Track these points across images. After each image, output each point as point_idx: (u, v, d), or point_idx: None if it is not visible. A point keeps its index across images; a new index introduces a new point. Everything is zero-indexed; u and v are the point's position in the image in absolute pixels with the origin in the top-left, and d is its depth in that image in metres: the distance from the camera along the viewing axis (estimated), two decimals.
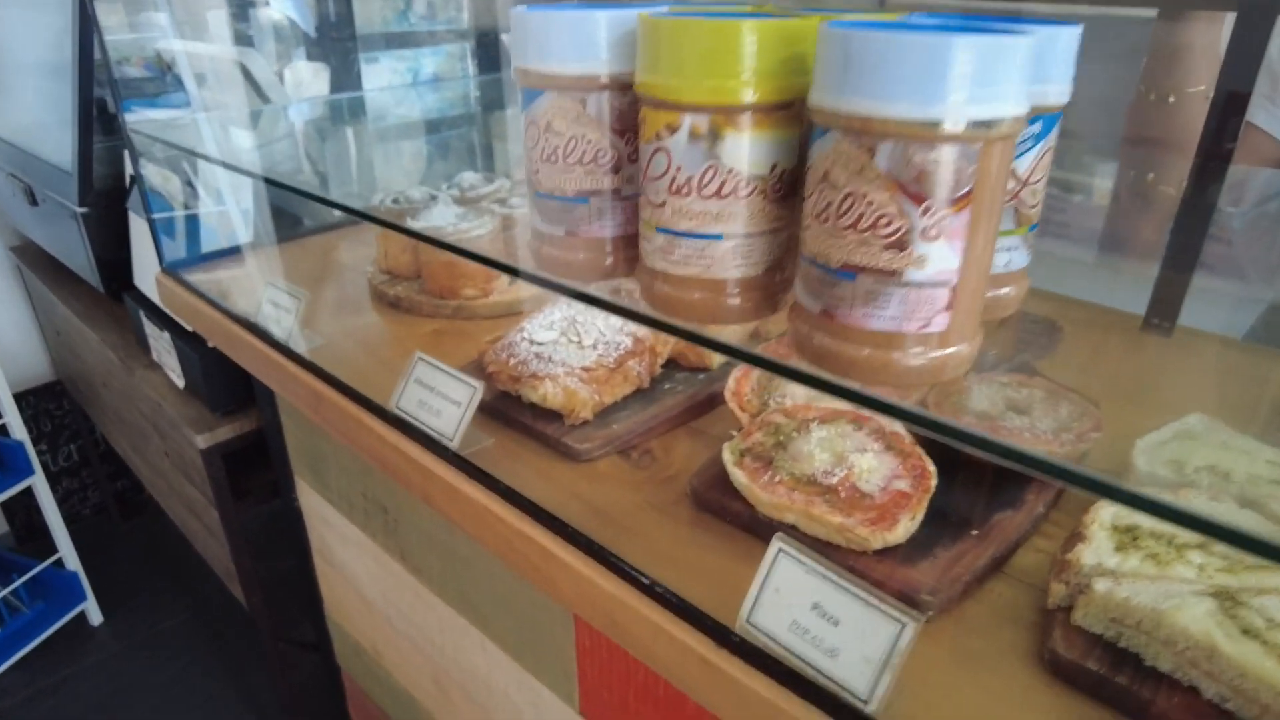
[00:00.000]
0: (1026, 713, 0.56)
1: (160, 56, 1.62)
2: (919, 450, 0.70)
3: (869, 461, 0.68)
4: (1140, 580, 0.57)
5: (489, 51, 1.62)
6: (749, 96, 0.46)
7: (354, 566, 1.34)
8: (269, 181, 1.08)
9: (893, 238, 0.41)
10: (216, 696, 2.03)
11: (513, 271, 0.73)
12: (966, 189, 0.40)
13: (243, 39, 1.73)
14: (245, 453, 1.57)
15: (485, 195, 1.15)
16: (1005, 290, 0.54)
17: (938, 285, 0.42)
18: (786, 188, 0.49)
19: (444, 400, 0.82)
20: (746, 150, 0.47)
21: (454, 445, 0.80)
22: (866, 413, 0.75)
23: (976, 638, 0.62)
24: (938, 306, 0.42)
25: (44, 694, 2.04)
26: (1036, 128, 0.48)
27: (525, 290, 1.13)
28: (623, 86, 0.54)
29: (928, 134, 0.39)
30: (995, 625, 0.63)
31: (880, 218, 0.41)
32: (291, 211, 1.63)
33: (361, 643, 1.45)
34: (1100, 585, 0.57)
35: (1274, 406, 0.85)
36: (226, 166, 1.16)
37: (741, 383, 0.82)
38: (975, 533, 0.67)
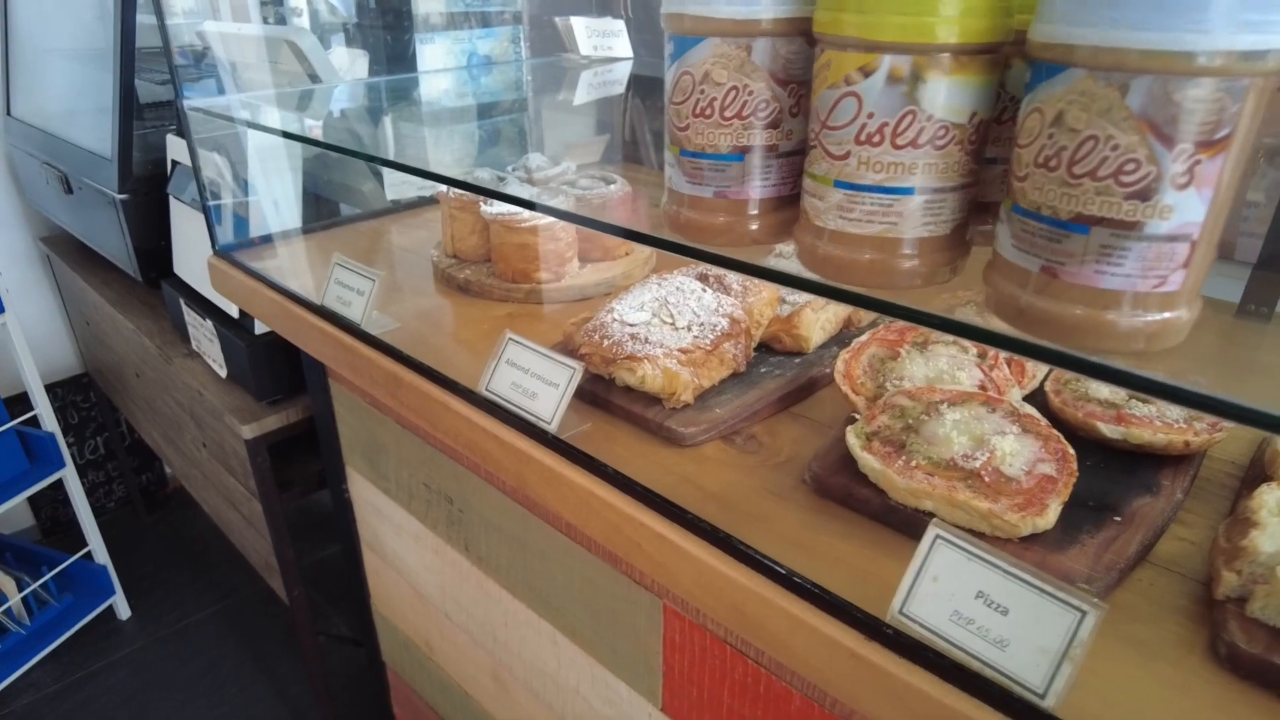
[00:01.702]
0: (1210, 708, 0.52)
1: (202, 41, 1.59)
2: (1057, 433, 0.66)
3: (1011, 444, 0.64)
4: None
5: (542, 33, 1.59)
6: (956, 35, 0.42)
7: (409, 559, 1.31)
8: (346, 152, 1.05)
9: (1138, 185, 0.37)
10: (247, 690, 1.99)
11: (656, 242, 0.67)
12: (1226, 131, 0.36)
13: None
14: (287, 444, 1.54)
15: (553, 177, 1.12)
16: None
17: (1179, 239, 0.38)
18: (982, 139, 0.46)
19: (539, 382, 0.78)
20: (948, 96, 0.44)
21: (553, 429, 0.76)
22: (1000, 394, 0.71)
23: (1141, 628, 0.58)
24: (1176, 263, 0.39)
25: (73, 687, 2.01)
26: None
27: (599, 275, 1.09)
28: (790, 32, 0.50)
29: (1190, 67, 0.35)
30: (1156, 615, 0.59)
31: (1126, 163, 0.37)
32: (332, 199, 1.60)
33: (412, 637, 1.42)
34: None
35: None
36: (293, 138, 1.13)
37: (851, 364, 0.78)
38: (1118, 519, 0.64)
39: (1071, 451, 0.65)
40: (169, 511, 2.65)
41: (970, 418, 0.67)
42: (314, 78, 1.45)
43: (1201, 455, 0.73)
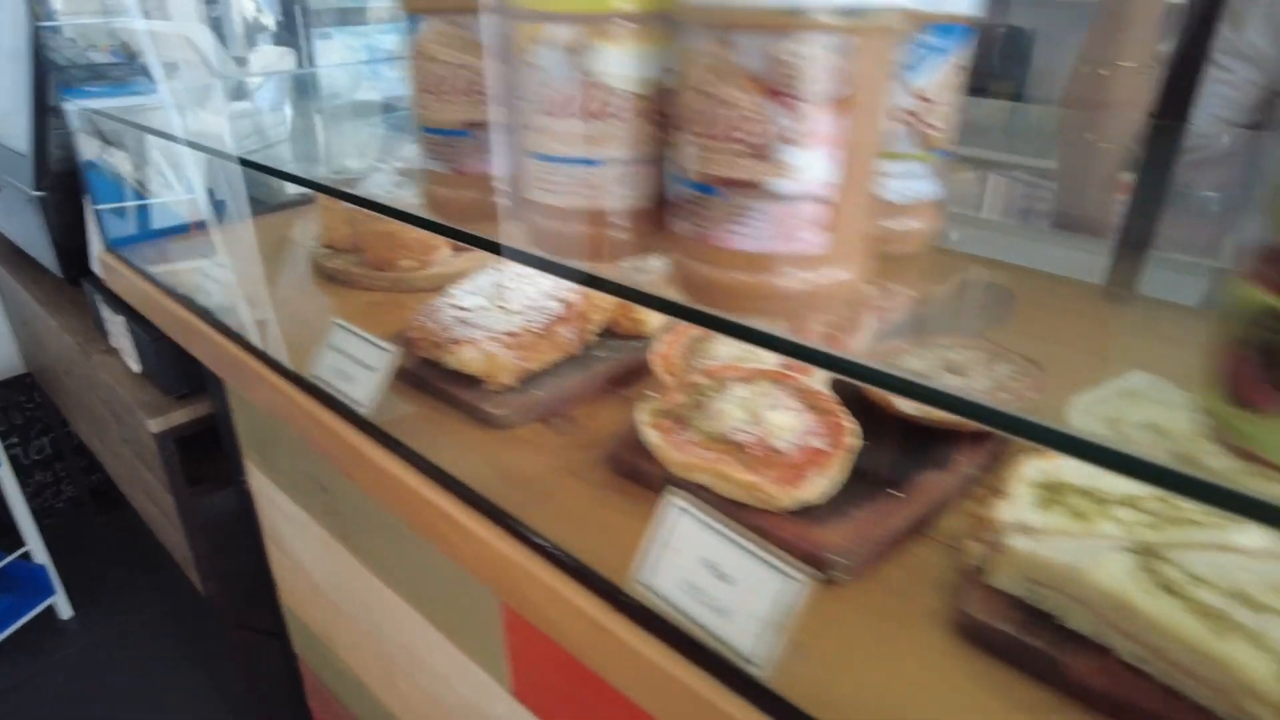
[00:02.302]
0: (933, 677, 0.53)
1: (126, 43, 1.59)
2: (840, 409, 0.66)
3: (785, 419, 0.64)
4: (1060, 538, 0.54)
5: None
6: (620, 2, 0.42)
7: (301, 550, 1.31)
8: (216, 154, 1.05)
9: (754, 144, 0.38)
10: (185, 689, 2.00)
11: (428, 226, 0.69)
12: (844, 90, 0.37)
13: (211, 23, 1.70)
14: (203, 438, 1.54)
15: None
16: (911, 223, 0.50)
17: (812, 199, 0.39)
18: (668, 109, 0.46)
19: (359, 367, 0.79)
20: (622, 65, 0.44)
21: (366, 411, 0.77)
22: (793, 370, 0.71)
23: (893, 600, 0.58)
24: (815, 224, 0.39)
25: (12, 689, 2.01)
26: (936, 38, 0.45)
27: (468, 262, 1.10)
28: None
29: (790, 21, 0.35)
30: (914, 588, 0.59)
31: (744, 122, 0.37)
32: (244, 191, 1.60)
33: (313, 628, 1.42)
34: (1018, 543, 0.54)
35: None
36: (165, 137, 1.13)
37: (670, 346, 0.79)
38: (898, 494, 0.64)
39: (849, 425, 0.65)
40: (123, 512, 2.65)
41: (755, 394, 0.67)
42: (215, 74, 1.46)
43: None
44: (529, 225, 0.51)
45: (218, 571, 1.65)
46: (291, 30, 1.92)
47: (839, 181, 0.39)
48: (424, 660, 1.08)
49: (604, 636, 0.56)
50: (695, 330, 0.80)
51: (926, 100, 0.46)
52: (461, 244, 0.58)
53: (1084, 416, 0.64)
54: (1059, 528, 0.55)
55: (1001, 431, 0.42)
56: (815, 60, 0.36)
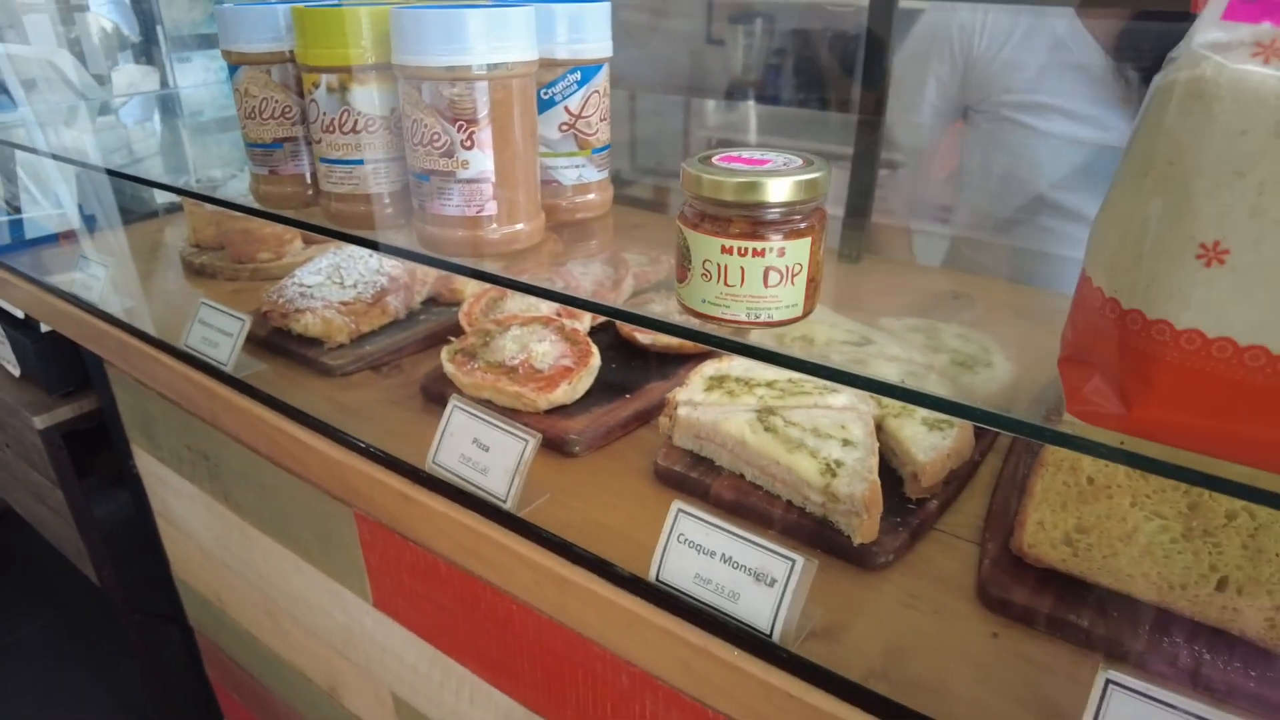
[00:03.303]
0: (636, 507, 0.77)
1: None
2: (588, 340, 0.91)
3: (545, 348, 0.88)
4: (714, 408, 0.79)
5: None
6: (362, 59, 0.65)
7: (190, 520, 1.47)
8: (86, 166, 1.21)
9: (442, 149, 0.61)
10: (83, 694, 2.06)
11: (269, 217, 0.89)
12: (485, 112, 0.60)
13: (70, 44, 1.83)
14: (86, 435, 1.67)
15: None
16: (590, 196, 0.75)
17: (481, 181, 0.62)
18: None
19: (220, 334, 0.98)
20: (367, 98, 0.66)
21: (229, 368, 0.96)
22: (555, 316, 0.95)
23: (615, 463, 0.83)
24: (485, 196, 0.63)
25: None
26: (577, 76, 0.69)
27: (316, 252, 1.29)
28: (289, 60, 0.72)
29: (448, 75, 0.59)
30: (629, 455, 0.84)
31: (433, 135, 0.60)
32: (112, 202, 1.74)
33: (206, 594, 1.58)
34: (683, 411, 0.79)
35: (904, 307, 1.10)
36: (34, 153, 1.28)
37: (473, 305, 1.01)
38: (628, 396, 0.89)
39: (593, 350, 0.89)
40: (5, 529, 2.69)
41: (526, 333, 0.91)
42: (81, 96, 1.60)
43: None
44: (325, 209, 0.73)
45: (113, 559, 1.78)
46: (152, 50, 2.06)
47: (495, 167, 0.62)
48: (301, 595, 1.27)
49: (412, 506, 0.78)
50: (494, 291, 1.03)
51: (579, 115, 0.70)
52: (312, 236, 0.79)
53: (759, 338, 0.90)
54: (715, 402, 0.81)
55: (697, 343, 0.66)
56: (468, 97, 0.59)
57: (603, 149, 0.73)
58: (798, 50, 2.96)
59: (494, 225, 0.64)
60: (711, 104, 2.54)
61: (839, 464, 0.72)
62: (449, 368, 0.88)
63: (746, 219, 0.49)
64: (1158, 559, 0.63)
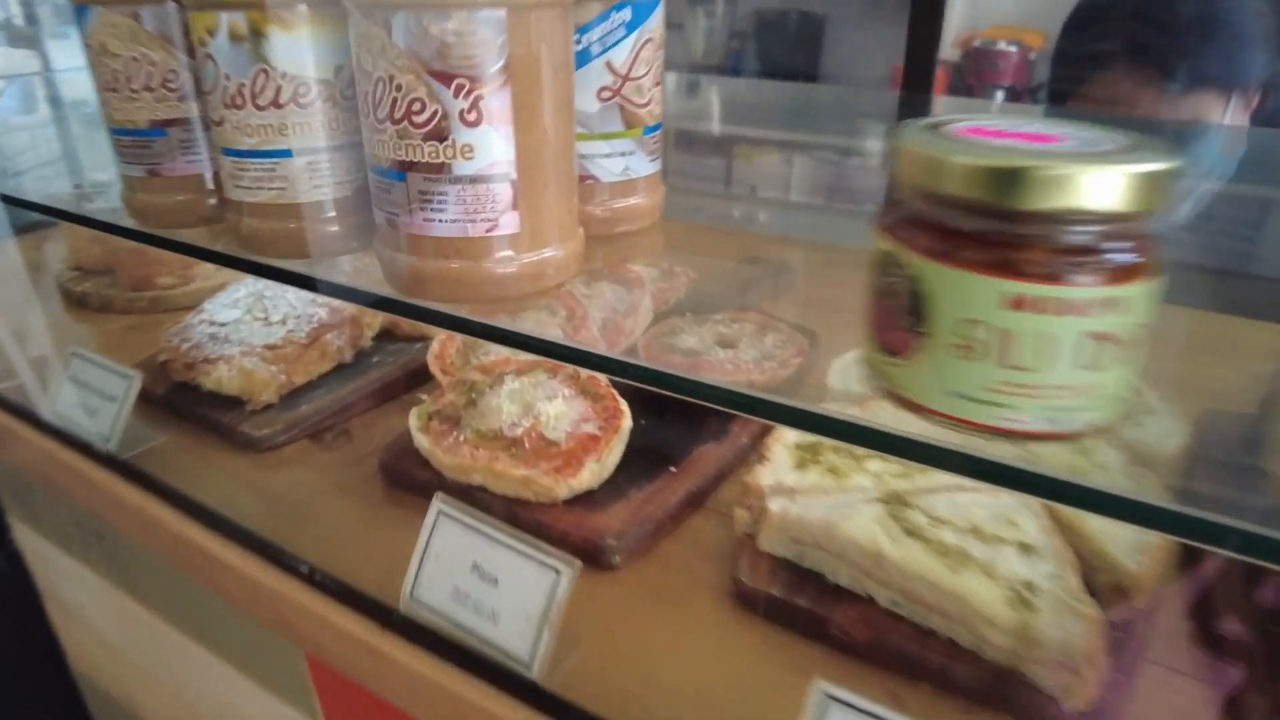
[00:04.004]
0: (710, 649, 0.53)
1: None
2: (613, 393, 0.66)
3: (557, 408, 0.63)
4: (817, 495, 0.56)
5: None
6: None
7: (86, 607, 1.18)
8: None
9: (429, 125, 0.36)
10: None
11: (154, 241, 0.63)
12: (499, 64, 0.35)
13: None
14: None
15: None
16: (634, 200, 0.50)
17: (494, 179, 0.37)
18: None
19: (101, 398, 0.71)
20: (299, 50, 0.41)
21: (111, 446, 0.69)
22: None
23: (673, 576, 0.58)
24: (502, 204, 0.38)
25: None
26: (626, 14, 0.44)
27: (235, 275, 1.02)
28: None
29: (439, 0, 0.34)
30: (693, 562, 0.60)
31: (413, 103, 0.35)
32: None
33: (112, 691, 1.29)
34: (775, 505, 0.55)
35: None
36: None
37: (446, 345, 0.76)
38: (673, 470, 0.64)
39: (623, 408, 0.65)
40: None
41: (528, 385, 0.66)
42: None
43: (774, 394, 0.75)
44: (236, 227, 0.47)
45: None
46: (34, 32, 1.74)
47: (516, 158, 0.37)
48: (231, 705, 1.00)
49: (383, 663, 0.53)
50: None
51: (624, 77, 0.45)
52: None
53: (843, 379, 0.66)
54: (816, 486, 0.57)
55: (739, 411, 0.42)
56: (472, 36, 0.34)
57: (655, 128, 0.49)
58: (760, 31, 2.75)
59: (510, 251, 0.39)
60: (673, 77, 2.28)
61: (1030, 587, 0.49)
62: (422, 441, 0.63)
63: (1052, 246, 0.26)
64: None
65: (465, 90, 0.35)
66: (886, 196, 0.30)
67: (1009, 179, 0.25)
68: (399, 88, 0.35)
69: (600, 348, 0.75)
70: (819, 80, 2.68)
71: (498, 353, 0.73)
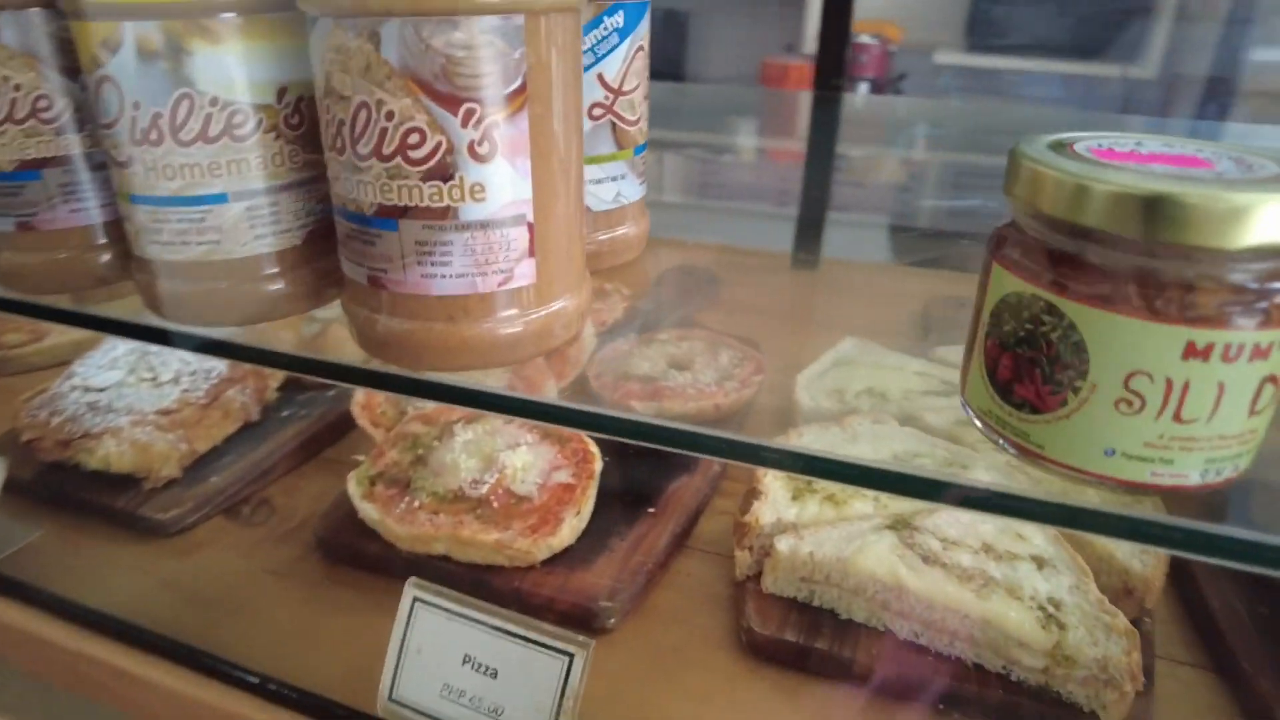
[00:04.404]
0: (728, 704, 0.49)
1: None
2: (579, 433, 0.60)
3: (523, 458, 0.57)
4: (821, 528, 0.52)
5: None
6: None
7: None
8: None
9: (433, 161, 0.29)
10: None
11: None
12: (516, 83, 0.29)
13: None
14: None
15: None
16: (623, 230, 0.45)
17: (508, 223, 0.31)
18: (311, 120, 0.36)
19: None
20: (232, 70, 0.33)
21: None
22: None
23: (673, 631, 0.54)
24: (517, 251, 0.32)
25: None
26: (618, 19, 0.39)
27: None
28: (25, 3, 0.37)
29: (445, 4, 0.27)
30: (690, 611, 0.55)
31: (409, 134, 0.29)
32: None
33: None
34: (783, 545, 0.51)
35: (912, 319, 0.87)
36: None
37: (372, 393, 0.67)
38: (652, 510, 0.60)
39: (593, 450, 0.59)
40: None
41: (484, 434, 0.59)
42: None
43: (740, 418, 0.72)
44: (147, 289, 0.38)
45: None
46: None
47: (534, 194, 0.32)
48: None
49: None
50: None
51: (617, 91, 0.40)
52: None
53: (811, 395, 0.64)
54: (818, 518, 0.54)
55: (737, 461, 0.37)
56: (484, 49, 0.28)
57: (643, 147, 0.44)
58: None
59: (514, 310, 0.33)
60: None
61: (1056, 604, 0.47)
62: (369, 511, 0.55)
63: (1229, 287, 0.23)
64: None
65: (476, 117, 0.29)
66: (1009, 231, 0.26)
67: (1188, 212, 0.22)
68: (390, 115, 0.29)
69: (551, 384, 0.69)
70: (685, 79, 2.68)
71: None
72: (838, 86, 0.99)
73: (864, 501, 0.55)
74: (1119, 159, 0.24)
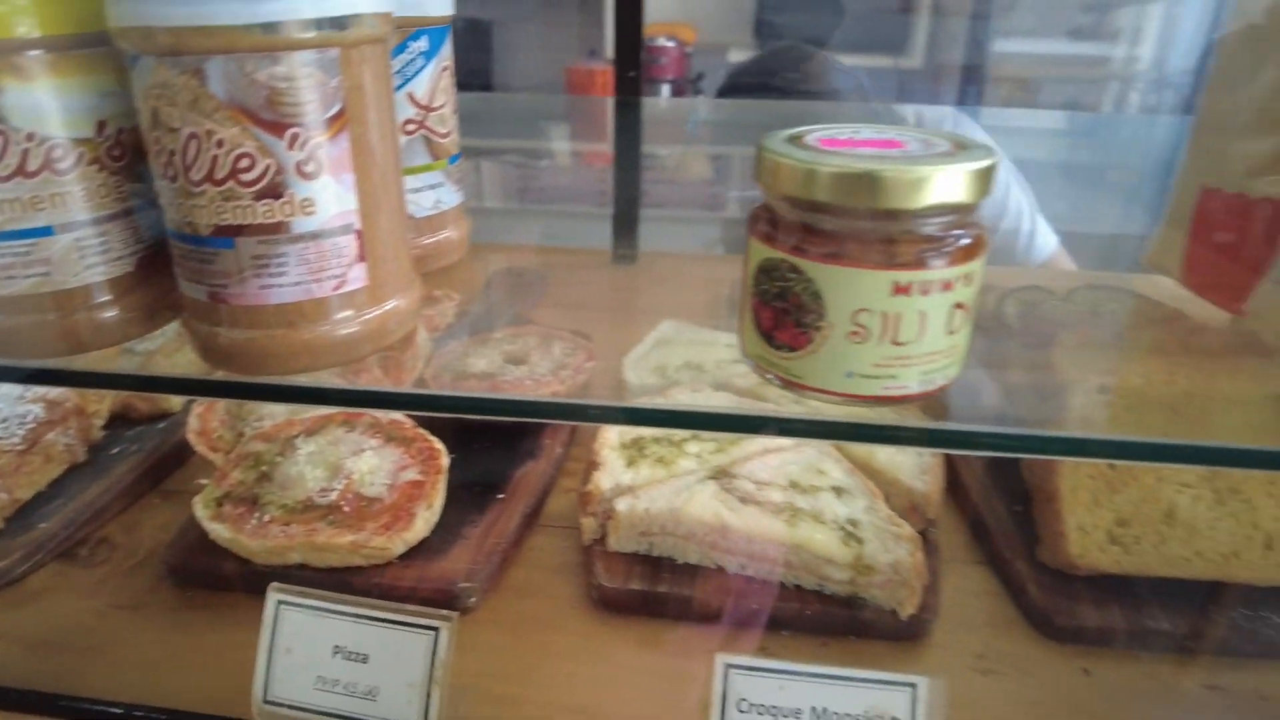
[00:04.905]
0: (586, 660, 0.54)
1: None
2: (422, 433, 0.64)
3: (369, 462, 0.60)
4: (654, 487, 0.59)
5: None
6: (26, 27, 0.33)
7: None
8: None
9: (263, 183, 0.32)
10: None
11: None
12: (336, 107, 0.33)
13: None
14: None
15: None
16: (445, 234, 0.49)
17: (339, 233, 0.34)
18: (134, 150, 0.37)
19: None
20: (44, 106, 0.34)
21: None
22: (357, 409, 0.66)
23: (531, 600, 0.58)
24: (348, 257, 0.35)
25: None
26: (423, 43, 0.43)
27: None
28: None
29: (266, 42, 0.30)
30: (545, 581, 0.60)
31: (239, 159, 0.32)
32: None
33: None
34: (622, 505, 0.57)
35: (721, 300, 0.96)
36: None
37: (206, 418, 0.67)
38: (501, 496, 0.64)
39: (438, 446, 0.63)
40: None
41: (327, 444, 0.61)
42: None
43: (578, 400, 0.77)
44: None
45: None
46: None
47: (360, 205, 0.35)
48: None
49: None
50: None
51: (427, 108, 0.44)
52: None
53: (637, 374, 0.70)
54: (650, 479, 0.60)
55: (571, 421, 0.43)
56: (305, 80, 0.32)
57: (457, 158, 0.48)
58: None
59: (350, 311, 0.37)
60: None
61: (854, 524, 0.56)
62: (219, 531, 0.56)
63: (920, 238, 0.30)
64: (1204, 533, 0.56)
65: (300, 140, 0.32)
66: (756, 206, 0.33)
67: (888, 184, 0.29)
68: (220, 144, 0.32)
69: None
70: (493, 88, 2.71)
71: (274, 416, 0.67)
72: (637, 88, 1.06)
73: (688, 459, 0.62)
74: (839, 145, 0.31)
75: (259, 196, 0.33)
